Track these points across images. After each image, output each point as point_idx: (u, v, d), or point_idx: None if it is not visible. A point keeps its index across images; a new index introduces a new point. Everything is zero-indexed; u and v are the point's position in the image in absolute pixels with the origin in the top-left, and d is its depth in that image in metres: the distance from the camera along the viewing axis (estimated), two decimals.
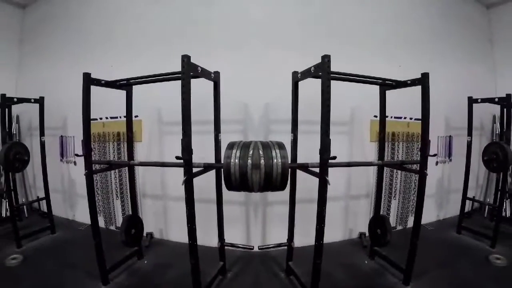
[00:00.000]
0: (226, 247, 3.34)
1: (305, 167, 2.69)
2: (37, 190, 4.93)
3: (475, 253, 3.78)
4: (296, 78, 3.04)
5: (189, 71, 2.43)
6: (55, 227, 4.35)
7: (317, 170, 2.56)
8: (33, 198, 4.86)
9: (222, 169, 2.52)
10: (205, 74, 2.76)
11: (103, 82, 3.01)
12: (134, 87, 3.33)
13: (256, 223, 4.02)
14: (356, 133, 4.20)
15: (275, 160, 2.43)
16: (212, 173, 3.09)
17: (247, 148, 2.47)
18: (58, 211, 4.79)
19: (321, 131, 2.44)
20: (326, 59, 2.39)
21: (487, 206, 4.98)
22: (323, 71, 2.42)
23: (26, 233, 4.02)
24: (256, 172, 2.53)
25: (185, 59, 2.40)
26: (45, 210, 4.42)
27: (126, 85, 3.25)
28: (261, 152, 2.44)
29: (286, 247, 3.38)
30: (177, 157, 2.46)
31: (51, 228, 4.31)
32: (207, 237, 3.52)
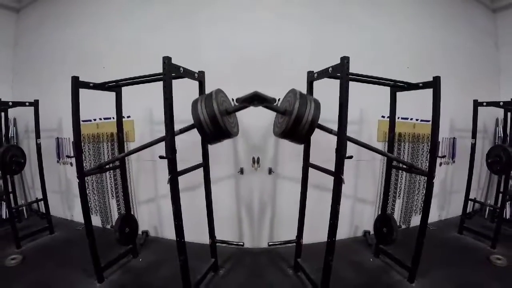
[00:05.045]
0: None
1: (329, 131, 2.70)
2: (35, 191, 5.01)
3: (476, 253, 3.82)
4: (312, 78, 3.04)
5: (170, 72, 2.47)
6: (53, 228, 4.43)
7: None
8: (32, 200, 4.94)
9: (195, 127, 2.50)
10: (188, 74, 2.79)
11: (91, 84, 3.06)
12: (126, 88, 3.35)
13: (263, 221, 4.10)
14: (364, 132, 4.23)
15: (308, 110, 2.40)
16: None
17: (210, 96, 2.44)
18: (57, 211, 4.88)
19: (338, 131, 2.50)
20: (345, 60, 2.42)
21: (487, 208, 4.97)
22: (342, 72, 2.45)
23: (25, 234, 4.10)
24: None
25: (166, 60, 2.45)
26: (44, 211, 4.49)
27: (115, 86, 3.28)
28: (298, 96, 2.42)
29: (293, 244, 3.45)
30: (161, 157, 2.51)
31: (50, 229, 4.39)
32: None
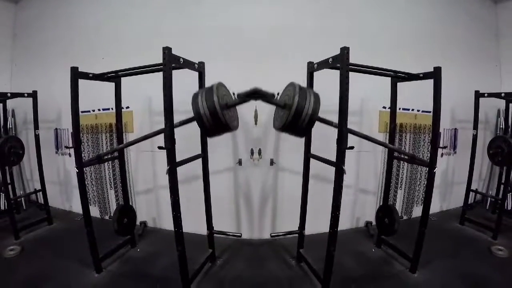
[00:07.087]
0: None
1: (329, 124, 2.70)
2: (34, 182, 4.99)
3: (478, 244, 3.83)
4: (312, 69, 3.03)
5: (170, 62, 2.46)
6: (52, 219, 4.44)
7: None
8: (30, 191, 4.95)
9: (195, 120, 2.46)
10: (188, 64, 2.78)
11: (91, 75, 3.04)
12: (125, 78, 3.36)
13: (265, 212, 4.14)
14: (365, 123, 4.24)
15: (307, 103, 2.37)
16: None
17: (210, 89, 2.40)
18: (56, 202, 4.89)
19: (339, 122, 2.50)
20: (345, 51, 2.41)
21: (489, 199, 4.97)
22: (342, 62, 2.44)
23: (23, 225, 4.11)
24: (231, 115, 2.53)
25: (166, 50, 2.44)
26: (42, 202, 4.50)
27: (114, 77, 3.28)
28: (297, 89, 2.39)
29: (296, 235, 3.47)
30: (159, 147, 2.52)
31: (48, 220, 4.40)
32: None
